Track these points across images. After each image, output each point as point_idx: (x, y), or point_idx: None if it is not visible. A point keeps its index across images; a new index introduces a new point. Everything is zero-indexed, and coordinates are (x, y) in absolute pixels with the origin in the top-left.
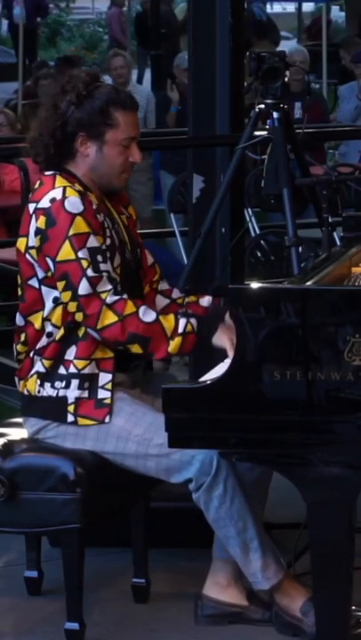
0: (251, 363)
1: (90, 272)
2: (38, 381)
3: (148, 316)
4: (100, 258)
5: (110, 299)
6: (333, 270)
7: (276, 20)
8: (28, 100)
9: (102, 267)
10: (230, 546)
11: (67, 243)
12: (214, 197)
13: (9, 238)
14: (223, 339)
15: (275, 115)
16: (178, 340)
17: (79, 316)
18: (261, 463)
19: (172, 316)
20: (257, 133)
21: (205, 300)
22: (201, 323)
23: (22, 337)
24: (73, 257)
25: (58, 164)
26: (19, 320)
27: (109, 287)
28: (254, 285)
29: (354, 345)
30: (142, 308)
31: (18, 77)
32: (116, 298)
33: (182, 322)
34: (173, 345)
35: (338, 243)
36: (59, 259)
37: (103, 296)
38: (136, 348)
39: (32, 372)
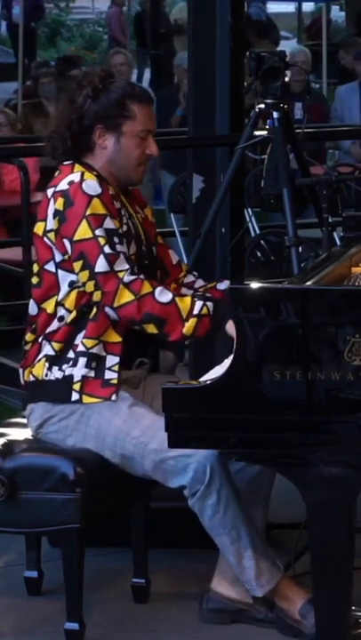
0: (251, 363)
1: (107, 249)
2: (47, 364)
3: (164, 296)
4: (116, 239)
5: (128, 278)
6: (333, 270)
7: (276, 20)
8: (28, 100)
9: (118, 247)
10: (225, 554)
11: (84, 222)
12: (214, 197)
13: (9, 238)
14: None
15: (275, 115)
16: (193, 321)
17: (97, 295)
18: (261, 463)
19: (188, 298)
20: (257, 133)
21: (224, 284)
22: (217, 307)
23: (33, 326)
24: (90, 235)
25: (76, 157)
26: (32, 309)
27: (127, 266)
28: (254, 285)
29: (354, 345)
30: (158, 289)
31: (17, 77)
32: (133, 277)
33: (198, 304)
34: (188, 326)
35: (338, 243)
36: (76, 238)
37: (120, 275)
38: (151, 328)
39: (40, 356)
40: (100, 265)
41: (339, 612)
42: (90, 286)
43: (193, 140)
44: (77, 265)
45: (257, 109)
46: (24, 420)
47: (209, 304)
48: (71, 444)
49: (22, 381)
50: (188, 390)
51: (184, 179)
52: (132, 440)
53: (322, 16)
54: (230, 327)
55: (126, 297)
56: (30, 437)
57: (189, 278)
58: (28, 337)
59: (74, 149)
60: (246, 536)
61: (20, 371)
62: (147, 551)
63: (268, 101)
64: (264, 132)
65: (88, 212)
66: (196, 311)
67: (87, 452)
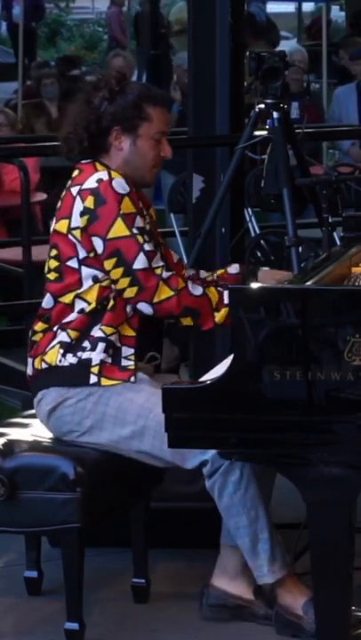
0: (251, 363)
1: (147, 246)
2: (61, 351)
3: (196, 290)
4: (147, 237)
5: (165, 274)
6: (333, 270)
7: (276, 20)
8: (29, 99)
9: (150, 245)
10: (240, 536)
11: (119, 220)
12: (214, 197)
13: (9, 238)
14: (270, 280)
15: (275, 115)
16: (224, 310)
17: (132, 292)
18: (261, 463)
19: (214, 289)
20: (257, 133)
21: (234, 267)
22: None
23: (45, 317)
24: (127, 233)
25: (92, 157)
26: (47, 302)
27: (162, 263)
28: (254, 285)
29: (354, 345)
30: (190, 283)
31: (17, 77)
32: (170, 273)
33: (227, 293)
34: (220, 315)
35: (338, 243)
36: (110, 236)
37: (158, 271)
38: (187, 321)
39: (53, 343)
40: (140, 262)
41: (339, 613)
42: (124, 282)
43: (193, 139)
44: (110, 262)
45: (257, 109)
46: (24, 420)
47: None
48: (88, 426)
49: (31, 371)
50: (188, 390)
51: (184, 179)
52: (155, 417)
53: (322, 16)
54: (265, 277)
55: (166, 292)
56: (31, 437)
57: (190, 272)
58: (39, 327)
59: (91, 150)
60: (264, 518)
61: (30, 360)
62: (147, 551)
63: (268, 101)
64: (264, 132)
65: (122, 211)
66: (226, 300)
67: (88, 451)
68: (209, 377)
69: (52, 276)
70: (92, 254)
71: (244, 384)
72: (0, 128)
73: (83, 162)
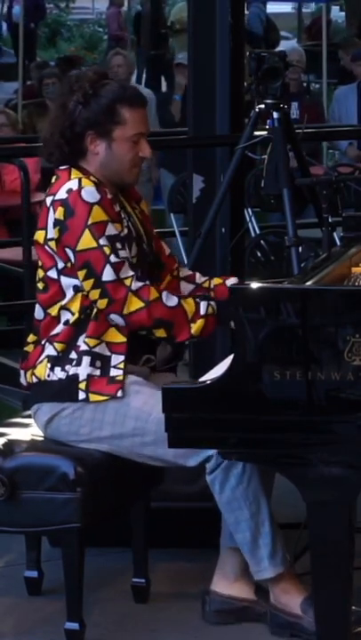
0: (251, 363)
1: (113, 258)
2: (49, 365)
3: (170, 300)
4: (118, 245)
5: (135, 285)
6: (333, 270)
7: (276, 20)
8: (30, 99)
9: (122, 253)
10: (240, 530)
11: (86, 232)
12: (214, 197)
13: (9, 238)
14: None
15: (275, 115)
16: (200, 322)
17: (102, 303)
18: (261, 463)
19: (191, 300)
20: (257, 133)
21: (232, 281)
22: (220, 306)
23: (36, 329)
24: (94, 245)
25: (72, 162)
26: (38, 314)
27: (131, 273)
28: (254, 285)
29: (354, 345)
30: (165, 294)
31: (17, 77)
32: (141, 284)
33: (203, 304)
34: (196, 327)
35: (338, 243)
36: (79, 248)
37: (127, 282)
38: (160, 333)
39: (42, 357)
40: (107, 274)
41: (339, 613)
42: (94, 294)
43: (193, 139)
44: (81, 274)
45: (257, 109)
46: (24, 420)
47: (213, 303)
48: (86, 433)
49: (24, 382)
50: (188, 390)
51: (184, 179)
52: (153, 420)
53: (322, 16)
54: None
55: (136, 304)
56: (31, 437)
57: (186, 272)
58: (30, 338)
59: (70, 155)
60: (266, 511)
61: (22, 372)
62: (147, 551)
63: (268, 101)
64: (264, 132)
65: (90, 222)
66: (202, 312)
67: (88, 451)
68: (209, 377)
69: (40, 285)
70: (68, 264)
71: (244, 384)
72: (1, 128)
73: (61, 168)
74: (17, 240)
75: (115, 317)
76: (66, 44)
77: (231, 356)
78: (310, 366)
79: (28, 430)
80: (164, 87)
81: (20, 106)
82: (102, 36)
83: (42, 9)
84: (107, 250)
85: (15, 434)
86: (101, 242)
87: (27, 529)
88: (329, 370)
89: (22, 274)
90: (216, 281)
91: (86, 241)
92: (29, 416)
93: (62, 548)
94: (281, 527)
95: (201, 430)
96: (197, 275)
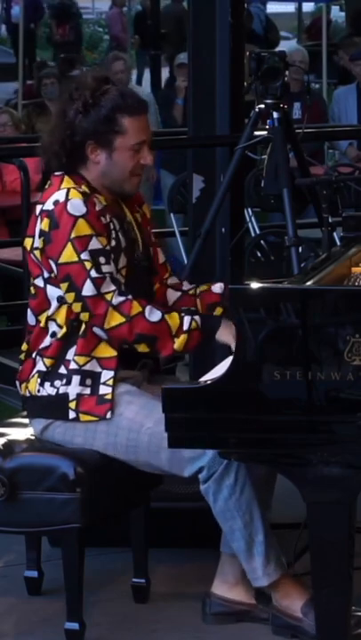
0: (251, 363)
1: (93, 273)
2: (39, 380)
3: (153, 315)
4: (102, 260)
5: (116, 300)
6: (333, 270)
7: (276, 20)
8: (30, 99)
9: (105, 268)
10: (235, 539)
11: (69, 245)
12: (214, 197)
13: (10, 238)
14: (226, 335)
15: (275, 115)
16: (183, 337)
17: (85, 316)
18: (261, 463)
19: (176, 314)
20: (257, 133)
21: (218, 287)
22: (205, 319)
23: (28, 337)
24: (76, 259)
25: (71, 170)
26: (30, 319)
27: (113, 288)
28: (254, 285)
29: (354, 345)
30: (148, 308)
31: (17, 77)
32: (122, 299)
33: (187, 319)
34: (179, 342)
35: (338, 243)
36: (61, 261)
37: (108, 297)
38: (143, 347)
39: (33, 372)
40: (88, 289)
41: (339, 613)
42: (77, 307)
43: (193, 140)
44: (64, 286)
45: (257, 109)
46: (24, 420)
47: (197, 318)
48: (80, 443)
49: (20, 392)
50: (188, 390)
51: (184, 179)
52: (146, 431)
53: (322, 16)
54: (221, 335)
55: (116, 319)
56: (31, 437)
57: (174, 280)
58: (24, 346)
59: (69, 163)
60: (259, 520)
61: (17, 383)
62: (147, 551)
63: (268, 101)
64: (264, 132)
65: (73, 235)
66: (185, 327)
67: (88, 451)
68: (209, 377)
69: (32, 290)
70: (52, 275)
71: (244, 384)
72: (4, 128)
73: (56, 174)
74: (17, 240)
75: (97, 331)
76: None
77: (231, 357)
78: (310, 366)
79: (27, 430)
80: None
81: (20, 106)
82: (102, 37)
83: (41, 9)
84: (88, 264)
85: (15, 434)
86: (83, 256)
87: (27, 529)
88: (329, 370)
89: (22, 274)
90: (202, 288)
91: (68, 254)
92: None
93: (62, 548)
94: (281, 527)
95: (201, 430)
96: (185, 283)
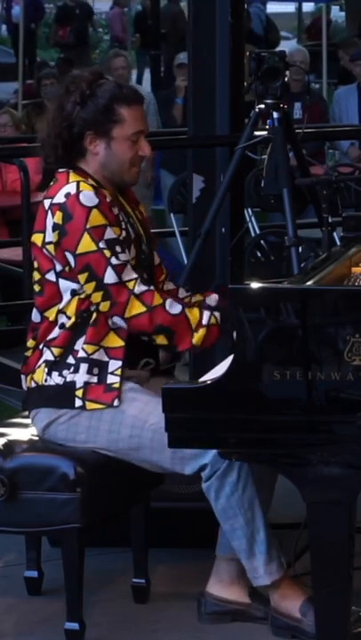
0: (251, 363)
1: (114, 260)
2: (46, 370)
3: (174, 308)
4: (118, 248)
5: (138, 288)
6: (333, 270)
7: (276, 20)
8: (30, 100)
9: (122, 256)
10: (236, 537)
11: (86, 235)
12: (214, 197)
13: (10, 238)
14: None
15: (275, 115)
16: (202, 331)
17: (105, 306)
18: (261, 463)
19: (196, 309)
20: (257, 133)
21: (212, 300)
22: (225, 316)
23: (35, 333)
24: (95, 248)
25: (69, 163)
26: (35, 316)
27: (135, 276)
28: (254, 285)
29: (354, 345)
30: (169, 301)
31: (17, 77)
32: (145, 288)
33: (206, 314)
34: (197, 337)
35: (338, 243)
36: (79, 251)
37: (130, 285)
38: (161, 339)
39: (40, 362)
40: (109, 276)
41: (339, 613)
42: (97, 297)
43: (193, 139)
44: (83, 277)
45: (257, 109)
46: (24, 420)
47: (216, 314)
48: (82, 440)
49: (25, 387)
50: (188, 390)
51: (184, 179)
52: (150, 427)
53: (322, 16)
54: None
55: (138, 308)
56: (31, 437)
57: (170, 286)
58: (30, 343)
59: (67, 156)
60: (261, 518)
61: (22, 377)
62: (147, 551)
63: (268, 101)
64: (264, 132)
65: (89, 225)
66: (205, 321)
67: (88, 451)
68: (209, 377)
69: (37, 288)
70: (67, 268)
71: (244, 384)
72: (5, 128)
73: (60, 170)
74: (17, 240)
75: (117, 320)
76: None
77: (231, 356)
78: (310, 366)
79: (28, 430)
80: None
81: (20, 106)
82: (102, 36)
83: (41, 9)
84: (107, 253)
85: (15, 434)
86: (101, 245)
87: (27, 529)
88: (329, 370)
89: (22, 274)
90: (197, 297)
91: (86, 244)
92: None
93: (62, 548)
94: (281, 527)
95: (201, 430)
96: (181, 290)
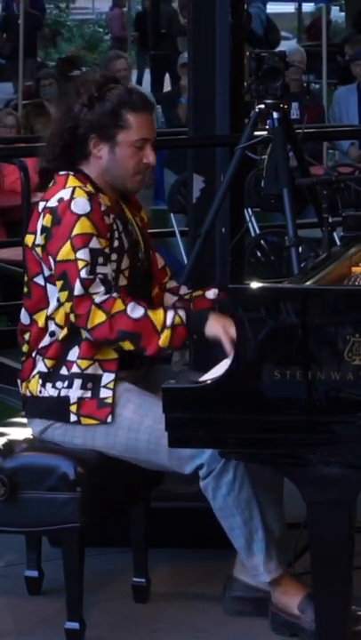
0: (251, 362)
1: (83, 274)
2: (40, 381)
3: (136, 312)
4: (100, 260)
5: (100, 298)
6: (333, 270)
7: (276, 20)
8: (28, 100)
9: (100, 269)
10: (235, 537)
11: (68, 242)
12: (214, 197)
13: (9, 238)
14: (215, 328)
15: (275, 115)
16: (167, 332)
17: (73, 317)
18: (261, 463)
19: (160, 311)
20: (257, 133)
21: (211, 293)
22: (191, 315)
23: (26, 336)
24: (72, 257)
25: (71, 165)
26: (24, 318)
27: (101, 289)
28: (254, 285)
29: (354, 345)
30: (130, 305)
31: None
32: (105, 297)
33: (170, 314)
34: (163, 338)
35: (338, 243)
36: (59, 258)
37: (94, 297)
38: (127, 345)
39: (34, 372)
40: (77, 289)
41: (339, 613)
42: (67, 307)
43: (193, 140)
44: (59, 284)
45: (257, 109)
46: (24, 420)
47: (181, 313)
48: (80, 444)
49: (22, 393)
50: (188, 390)
51: (184, 179)
52: (145, 429)
53: (322, 16)
54: (210, 329)
55: (99, 317)
56: (31, 437)
57: (172, 284)
58: (24, 347)
59: (67, 157)
60: (258, 517)
61: (19, 382)
62: (147, 551)
63: (268, 101)
64: (264, 132)
65: (74, 233)
66: (168, 322)
67: (88, 451)
68: (209, 377)
69: (25, 289)
70: (52, 272)
71: (244, 384)
72: (9, 130)
73: (60, 173)
74: (17, 240)
75: (84, 332)
76: (66, 44)
77: (231, 356)
78: (310, 366)
79: (28, 430)
80: (166, 87)
81: (20, 106)
82: (103, 37)
83: (41, 9)
84: (80, 264)
85: (15, 434)
86: (78, 255)
87: (27, 529)
88: (329, 370)
89: (22, 274)
90: (197, 292)
91: (66, 252)
92: None
93: (62, 548)
94: None
95: (201, 430)
96: (182, 287)
